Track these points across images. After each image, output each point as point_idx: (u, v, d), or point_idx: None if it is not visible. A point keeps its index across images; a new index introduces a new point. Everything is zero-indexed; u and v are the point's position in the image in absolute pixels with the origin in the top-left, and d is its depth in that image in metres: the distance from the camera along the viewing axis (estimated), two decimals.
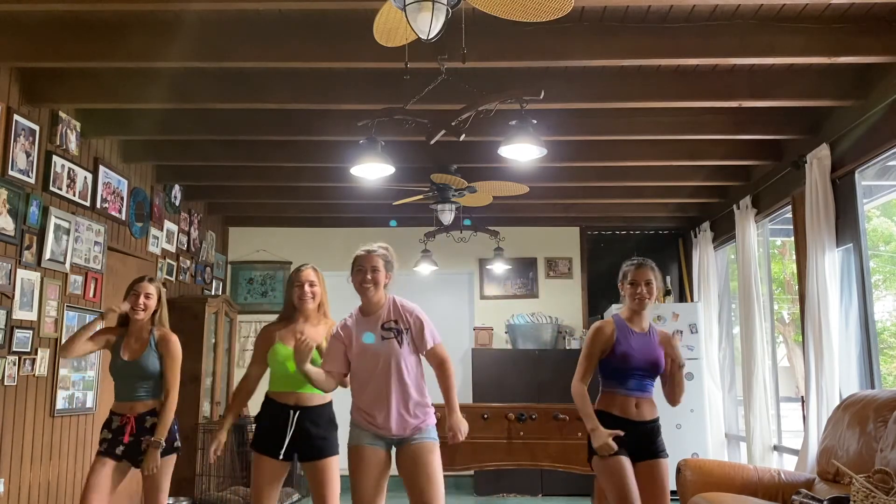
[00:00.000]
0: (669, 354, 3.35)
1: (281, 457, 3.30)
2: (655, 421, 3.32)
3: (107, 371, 5.34)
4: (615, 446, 3.12)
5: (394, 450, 3.14)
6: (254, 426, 3.46)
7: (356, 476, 3.07)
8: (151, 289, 3.76)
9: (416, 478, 3.04)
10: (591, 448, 3.26)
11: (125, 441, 3.60)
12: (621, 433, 3.17)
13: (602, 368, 3.36)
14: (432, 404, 3.18)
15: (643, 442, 3.24)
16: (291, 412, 3.31)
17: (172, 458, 3.70)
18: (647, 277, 3.35)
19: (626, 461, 3.16)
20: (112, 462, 3.59)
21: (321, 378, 3.11)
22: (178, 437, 3.76)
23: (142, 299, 3.71)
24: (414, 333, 3.14)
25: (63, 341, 4.94)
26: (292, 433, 3.28)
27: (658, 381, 3.42)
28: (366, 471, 3.06)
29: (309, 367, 3.03)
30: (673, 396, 3.38)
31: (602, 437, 3.13)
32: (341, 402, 3.37)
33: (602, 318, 7.76)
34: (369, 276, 3.12)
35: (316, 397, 3.36)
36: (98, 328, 3.79)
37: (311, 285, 3.43)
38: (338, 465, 3.37)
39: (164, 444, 3.60)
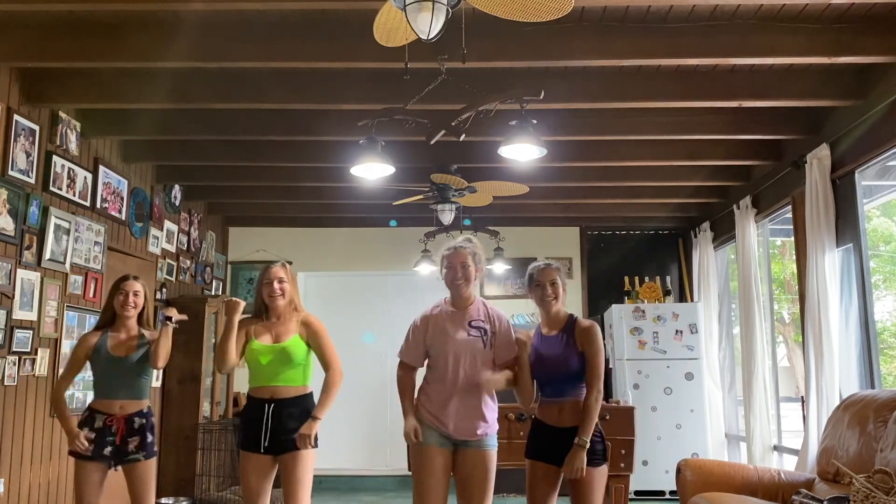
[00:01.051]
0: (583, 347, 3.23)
1: (262, 450, 3.32)
2: (574, 430, 3.15)
3: None
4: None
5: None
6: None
7: (423, 476, 3.05)
8: (139, 286, 3.74)
9: (474, 486, 3.06)
10: (526, 447, 3.28)
11: (116, 443, 3.55)
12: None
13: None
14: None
15: (567, 449, 3.11)
16: (267, 405, 3.35)
17: (155, 460, 3.67)
18: (552, 278, 3.28)
19: (538, 466, 3.17)
20: (99, 465, 3.55)
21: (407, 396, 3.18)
22: (156, 442, 3.72)
23: (130, 297, 3.68)
24: (499, 339, 3.18)
25: (63, 341, 4.95)
26: (270, 426, 3.31)
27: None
28: (434, 472, 3.04)
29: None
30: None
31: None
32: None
33: (602, 318, 7.80)
34: (460, 273, 3.15)
35: (291, 389, 3.39)
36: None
37: (281, 282, 3.45)
38: (313, 461, 3.38)
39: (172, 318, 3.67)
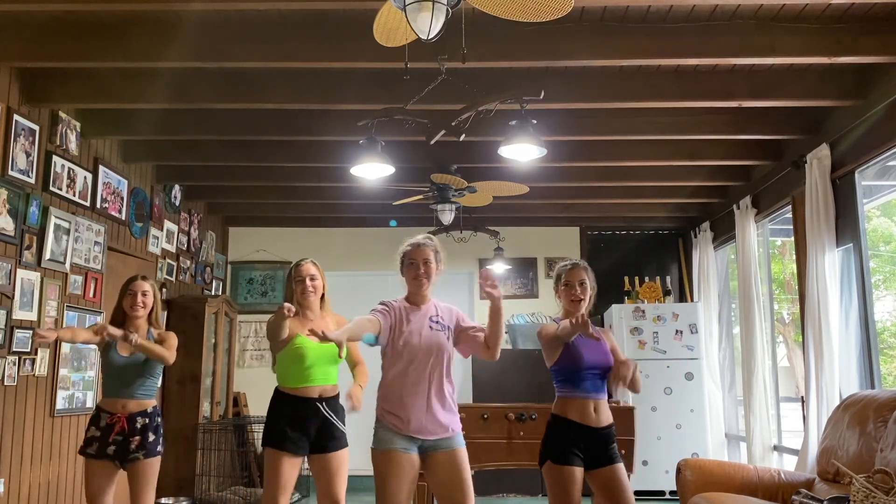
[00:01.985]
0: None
1: (308, 450, 3.31)
2: (610, 427, 3.23)
3: None
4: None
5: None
6: (267, 424, 3.40)
7: (389, 482, 2.94)
8: (147, 286, 3.75)
9: (454, 487, 2.98)
10: (542, 452, 3.19)
11: (118, 441, 3.55)
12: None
13: (556, 372, 3.27)
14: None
15: (601, 448, 3.16)
16: (318, 404, 3.32)
17: (157, 460, 3.65)
18: (580, 278, 3.28)
19: (578, 472, 3.10)
20: (106, 463, 3.55)
21: (362, 324, 2.98)
22: (161, 443, 3.69)
23: (139, 298, 3.70)
24: (454, 326, 3.15)
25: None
26: (322, 425, 3.31)
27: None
28: (401, 477, 2.94)
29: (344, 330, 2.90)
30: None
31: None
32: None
33: (602, 318, 7.80)
34: (422, 269, 3.12)
35: (335, 388, 3.40)
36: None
37: (313, 279, 3.44)
38: (348, 458, 3.41)
39: (135, 341, 3.51)
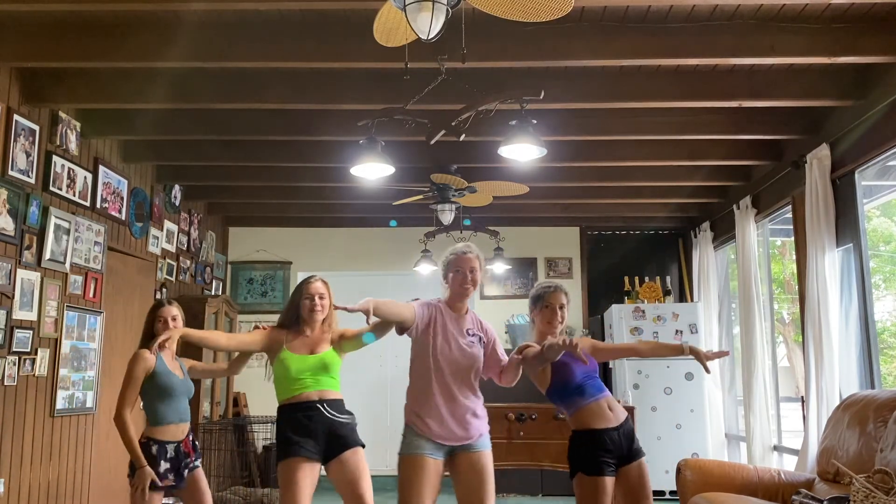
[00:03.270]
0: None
1: (320, 455, 3.21)
2: (628, 421, 3.25)
3: (108, 371, 5.37)
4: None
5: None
6: (276, 444, 3.34)
7: (414, 488, 2.94)
8: (175, 311, 3.66)
9: (479, 488, 3.01)
10: (572, 465, 3.17)
11: (191, 463, 3.52)
12: None
13: (555, 393, 3.24)
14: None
15: (625, 446, 3.17)
16: (320, 406, 3.26)
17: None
18: (561, 302, 3.28)
19: (609, 482, 3.09)
20: (167, 490, 3.48)
21: (399, 305, 2.97)
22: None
23: (171, 323, 3.59)
24: (489, 349, 3.21)
25: (63, 341, 4.95)
26: (328, 425, 3.23)
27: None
28: (426, 483, 2.94)
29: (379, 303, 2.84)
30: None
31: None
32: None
33: (602, 318, 7.79)
34: (469, 278, 3.13)
35: (334, 392, 3.34)
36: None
37: (322, 298, 3.40)
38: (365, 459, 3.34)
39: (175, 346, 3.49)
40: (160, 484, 3.39)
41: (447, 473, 3.08)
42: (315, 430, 3.22)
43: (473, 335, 3.17)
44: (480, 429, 3.11)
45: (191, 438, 3.62)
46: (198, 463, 3.62)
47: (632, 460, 3.18)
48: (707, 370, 3.29)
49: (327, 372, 3.34)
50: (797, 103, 4.89)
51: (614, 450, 3.13)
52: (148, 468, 3.35)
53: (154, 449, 3.43)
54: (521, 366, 3.17)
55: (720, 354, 3.35)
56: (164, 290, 6.56)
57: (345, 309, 2.83)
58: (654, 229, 8.40)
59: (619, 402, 5.47)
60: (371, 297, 2.84)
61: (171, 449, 3.47)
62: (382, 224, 8.09)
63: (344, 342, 3.43)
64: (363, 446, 3.31)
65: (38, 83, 4.61)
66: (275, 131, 5.37)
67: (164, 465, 3.42)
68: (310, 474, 3.16)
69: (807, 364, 5.08)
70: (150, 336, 3.60)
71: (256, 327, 3.44)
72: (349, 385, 3.43)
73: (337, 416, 3.28)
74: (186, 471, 3.52)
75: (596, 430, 3.14)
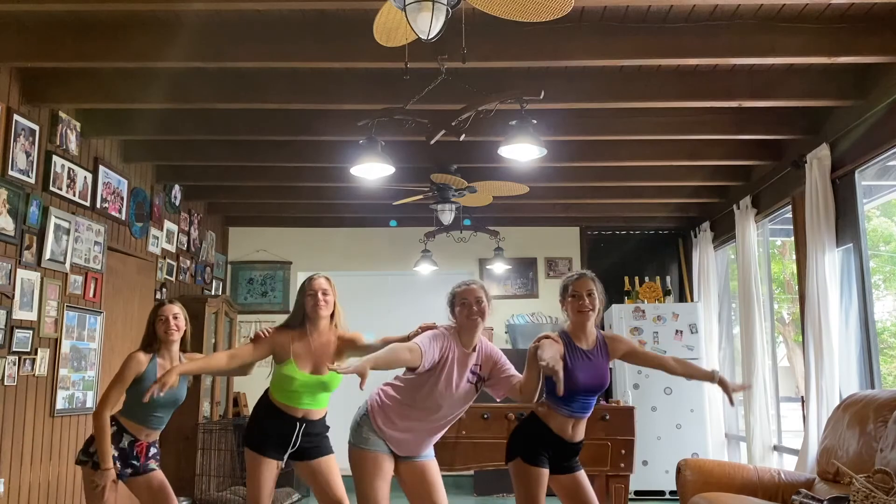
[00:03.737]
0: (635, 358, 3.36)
1: (284, 461, 3.37)
2: (581, 444, 3.25)
3: (108, 371, 5.37)
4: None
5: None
6: (250, 422, 3.44)
7: (375, 484, 3.07)
8: (177, 309, 3.63)
9: (430, 494, 3.12)
10: (512, 448, 3.20)
11: (138, 464, 3.50)
12: None
13: (548, 381, 3.13)
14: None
15: (569, 457, 3.22)
16: (298, 424, 3.34)
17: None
18: (588, 288, 3.19)
19: (545, 474, 3.15)
20: (118, 483, 3.48)
21: (399, 353, 2.94)
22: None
23: (172, 322, 3.57)
24: (494, 378, 3.20)
25: (63, 341, 4.95)
26: (298, 440, 3.35)
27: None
28: (385, 480, 3.09)
29: (377, 356, 2.85)
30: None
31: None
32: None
33: (602, 318, 7.78)
34: (476, 309, 3.11)
35: (320, 411, 3.41)
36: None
37: (325, 294, 3.36)
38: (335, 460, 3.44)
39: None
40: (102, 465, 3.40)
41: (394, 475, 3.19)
42: (288, 441, 3.35)
43: (474, 374, 3.15)
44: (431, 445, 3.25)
45: (151, 447, 3.58)
46: (153, 466, 3.56)
47: (567, 472, 3.20)
48: (731, 402, 3.29)
49: (325, 390, 3.39)
50: (797, 103, 4.89)
51: (552, 454, 3.16)
52: (111, 471, 3.34)
53: (114, 429, 3.43)
54: (540, 371, 2.98)
55: (744, 387, 3.62)
56: (164, 289, 6.56)
57: (339, 371, 2.82)
58: (654, 229, 8.40)
59: (618, 402, 5.47)
60: (371, 358, 2.81)
61: (126, 440, 3.47)
62: (382, 224, 8.09)
63: (350, 351, 3.43)
64: (331, 454, 3.42)
65: (38, 83, 4.60)
66: (275, 131, 5.36)
67: (111, 450, 3.42)
68: (273, 471, 3.34)
69: (807, 364, 5.08)
70: (151, 335, 3.57)
71: (258, 335, 3.40)
72: (345, 386, 3.41)
73: (311, 432, 3.37)
74: (131, 468, 3.48)
75: (548, 429, 3.16)
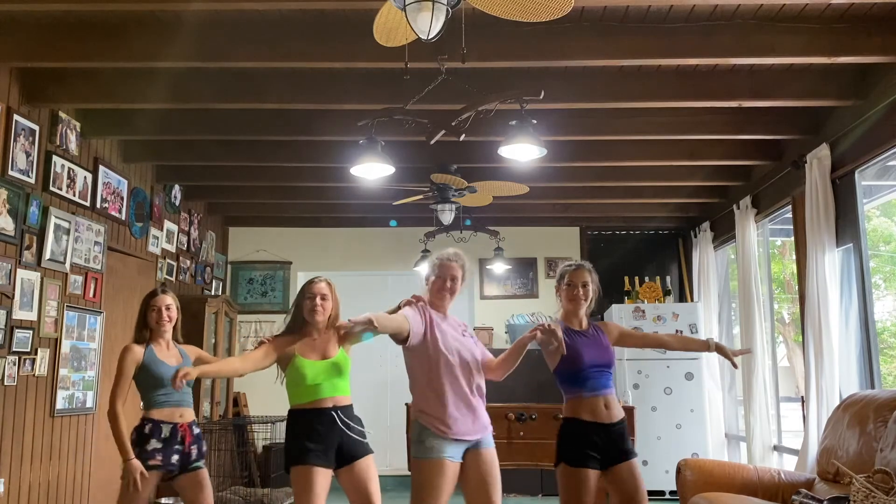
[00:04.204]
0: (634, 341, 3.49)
1: (335, 462, 3.19)
2: (623, 422, 3.26)
3: (108, 371, 5.37)
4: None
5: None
6: (286, 447, 3.28)
7: (434, 494, 2.95)
8: (169, 300, 3.67)
9: (491, 485, 3.05)
10: (557, 454, 3.21)
11: (184, 451, 3.52)
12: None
13: (560, 375, 3.29)
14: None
15: (616, 445, 3.18)
16: (333, 414, 3.21)
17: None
18: (584, 279, 3.34)
19: (592, 475, 3.10)
20: (160, 474, 3.50)
21: (398, 318, 3.00)
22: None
23: (164, 312, 3.61)
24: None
25: (63, 341, 4.95)
26: (343, 433, 3.20)
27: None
28: (447, 488, 2.97)
29: (380, 316, 2.88)
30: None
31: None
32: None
33: (602, 318, 7.78)
34: (448, 285, 3.19)
35: (345, 399, 3.30)
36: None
37: (324, 298, 3.35)
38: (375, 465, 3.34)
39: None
40: (149, 463, 3.42)
41: None
42: (331, 438, 3.19)
43: (465, 333, 3.25)
44: (488, 424, 3.16)
45: (193, 427, 3.61)
46: (199, 464, 3.61)
47: (621, 460, 3.17)
48: (735, 365, 3.43)
49: (340, 375, 3.32)
50: (797, 103, 4.89)
51: (601, 444, 3.14)
52: (135, 461, 3.37)
53: (147, 428, 3.48)
54: (521, 353, 3.18)
55: (744, 352, 3.60)
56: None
57: (347, 327, 2.90)
58: (654, 229, 8.40)
59: (619, 402, 5.45)
60: (373, 314, 2.85)
61: (165, 430, 3.49)
62: (382, 224, 8.09)
63: (347, 338, 3.40)
64: (372, 453, 3.32)
65: (38, 83, 4.60)
66: (275, 131, 5.36)
67: (154, 444, 3.45)
68: (324, 481, 3.15)
69: (807, 364, 5.08)
70: (143, 325, 3.63)
71: (262, 342, 3.39)
72: (362, 398, 3.42)
73: (350, 425, 3.26)
74: (178, 456, 3.49)
75: (584, 422, 3.17)
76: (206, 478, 3.62)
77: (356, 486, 3.23)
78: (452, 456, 3.00)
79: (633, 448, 3.24)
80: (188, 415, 3.61)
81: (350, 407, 3.33)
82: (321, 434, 3.18)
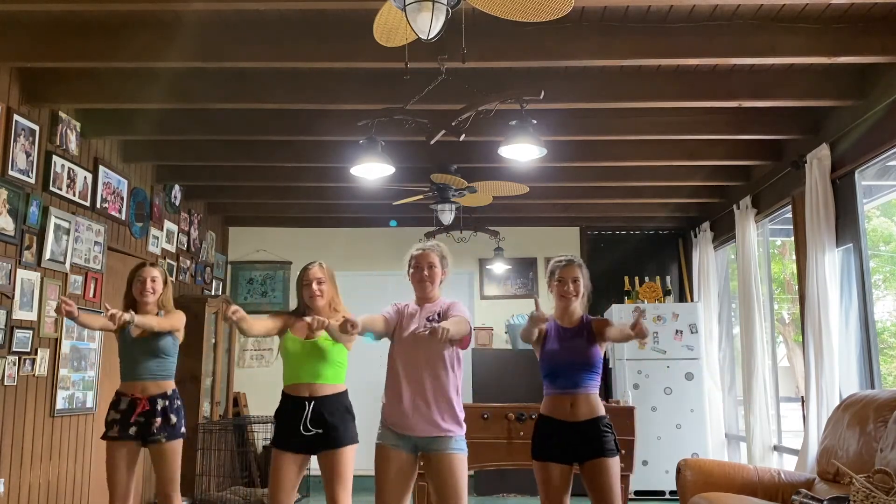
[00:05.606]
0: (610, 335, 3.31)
1: (297, 449, 3.31)
2: (596, 420, 3.20)
3: (107, 371, 5.37)
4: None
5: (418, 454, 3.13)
6: (273, 424, 3.46)
7: (378, 477, 3.08)
8: (156, 272, 3.80)
9: (445, 491, 3.03)
10: (532, 447, 3.25)
11: (132, 420, 3.59)
12: None
13: (541, 370, 3.35)
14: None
15: (582, 442, 3.16)
16: (306, 403, 3.31)
17: (179, 442, 3.69)
18: (574, 275, 3.34)
19: (554, 468, 3.13)
20: (128, 444, 3.60)
21: (370, 320, 3.11)
22: (184, 423, 3.75)
23: (148, 284, 3.74)
24: (446, 315, 3.20)
25: (63, 341, 4.95)
26: (308, 424, 3.29)
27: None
28: (388, 472, 3.06)
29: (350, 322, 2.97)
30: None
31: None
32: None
33: (602, 318, 7.78)
34: (426, 273, 3.25)
35: (328, 387, 3.36)
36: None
37: (319, 283, 3.44)
38: (353, 457, 3.35)
39: (133, 320, 3.51)
40: (108, 434, 3.62)
41: (422, 471, 3.14)
42: (300, 427, 3.30)
43: (432, 321, 3.15)
44: (447, 424, 3.07)
45: (158, 400, 3.65)
46: (159, 437, 3.62)
47: (591, 457, 3.14)
48: (639, 336, 3.05)
49: (324, 360, 3.36)
50: (797, 103, 4.89)
51: (567, 440, 3.14)
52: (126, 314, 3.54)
53: (113, 399, 3.69)
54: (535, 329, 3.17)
55: (639, 314, 3.08)
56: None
57: (325, 327, 3.03)
58: (654, 229, 8.40)
59: (618, 402, 5.45)
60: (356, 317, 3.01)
61: (124, 402, 3.64)
62: (382, 224, 8.09)
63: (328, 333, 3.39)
64: (347, 445, 3.33)
65: (38, 83, 4.61)
66: (275, 131, 5.36)
67: (112, 415, 3.63)
68: (291, 465, 3.30)
69: (807, 364, 5.08)
70: (129, 297, 3.77)
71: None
72: (347, 386, 3.44)
73: (324, 416, 3.30)
74: (136, 428, 3.59)
75: (549, 418, 3.20)
76: (166, 453, 3.63)
77: (324, 473, 3.35)
78: (396, 445, 3.08)
79: (610, 447, 3.17)
80: (152, 388, 3.66)
81: (332, 397, 3.36)
82: (294, 422, 3.31)
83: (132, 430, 3.60)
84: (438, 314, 3.20)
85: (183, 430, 3.73)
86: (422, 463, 3.13)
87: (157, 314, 3.79)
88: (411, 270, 3.31)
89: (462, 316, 3.14)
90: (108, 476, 3.62)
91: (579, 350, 3.26)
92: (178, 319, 3.80)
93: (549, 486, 3.14)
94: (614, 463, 3.15)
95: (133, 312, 3.57)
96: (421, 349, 3.12)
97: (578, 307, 3.37)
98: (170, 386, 3.73)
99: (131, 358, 3.69)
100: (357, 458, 3.40)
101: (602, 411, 3.21)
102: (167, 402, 3.67)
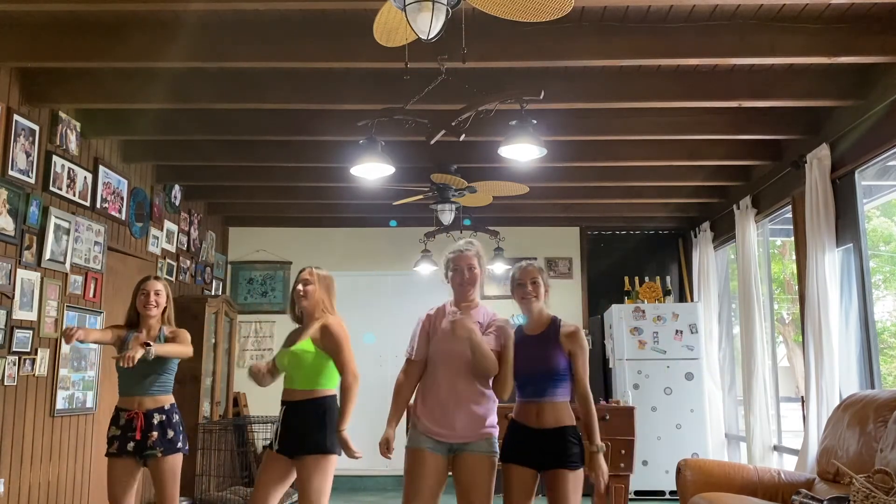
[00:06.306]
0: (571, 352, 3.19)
1: (276, 448, 3.36)
2: (563, 430, 3.11)
3: (107, 371, 5.37)
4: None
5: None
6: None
7: (411, 479, 3.02)
8: (160, 286, 3.80)
9: (472, 492, 3.00)
10: (501, 449, 3.20)
11: (136, 438, 3.58)
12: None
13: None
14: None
15: (545, 451, 3.09)
16: (282, 407, 3.42)
17: (178, 457, 3.67)
18: (532, 277, 3.24)
19: (515, 469, 3.10)
20: (127, 461, 3.60)
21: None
22: (183, 439, 3.72)
23: (152, 297, 3.74)
24: (485, 331, 3.14)
25: (62, 341, 4.95)
26: (281, 427, 3.38)
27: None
28: (424, 476, 3.00)
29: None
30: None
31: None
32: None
33: (602, 318, 7.79)
34: (467, 275, 3.16)
35: (299, 392, 3.39)
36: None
37: (306, 284, 3.48)
38: (322, 465, 3.29)
39: (152, 349, 3.51)
40: (108, 450, 3.64)
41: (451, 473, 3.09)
42: (280, 429, 3.39)
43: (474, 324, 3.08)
44: (482, 429, 3.07)
45: (154, 415, 3.64)
46: (154, 452, 3.60)
47: (552, 466, 3.08)
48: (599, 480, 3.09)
49: (298, 366, 3.39)
50: (797, 103, 4.89)
51: (532, 446, 3.10)
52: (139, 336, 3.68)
53: (112, 416, 3.69)
54: (477, 359, 3.03)
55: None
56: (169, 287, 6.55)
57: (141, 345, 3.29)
58: (654, 229, 8.40)
59: (618, 402, 5.44)
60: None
61: (122, 417, 3.65)
62: (382, 224, 8.09)
63: (325, 336, 3.40)
64: (314, 453, 3.29)
65: (38, 83, 4.61)
66: (275, 131, 5.37)
67: (112, 431, 3.65)
68: (274, 465, 3.34)
69: (807, 364, 5.08)
70: (133, 309, 3.78)
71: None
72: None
73: (292, 421, 3.35)
74: (133, 444, 3.58)
75: (517, 423, 3.17)
76: (164, 469, 3.61)
77: (297, 478, 3.37)
78: (433, 448, 3.02)
79: (573, 459, 3.07)
80: (148, 403, 3.65)
81: (302, 402, 3.36)
82: (278, 425, 3.41)
83: (130, 446, 3.59)
84: (479, 325, 3.12)
85: (181, 445, 3.68)
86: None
87: (160, 328, 3.77)
88: (450, 274, 3.19)
89: (499, 342, 3.09)
90: (108, 491, 3.63)
91: (540, 359, 3.17)
92: (187, 341, 3.80)
93: (511, 489, 3.10)
94: (575, 476, 3.07)
95: (153, 344, 3.56)
96: (456, 353, 3.06)
97: (544, 310, 3.27)
98: (167, 401, 3.71)
99: (129, 375, 3.65)
100: (339, 459, 3.40)
101: (570, 421, 3.12)
102: (164, 417, 3.66)
